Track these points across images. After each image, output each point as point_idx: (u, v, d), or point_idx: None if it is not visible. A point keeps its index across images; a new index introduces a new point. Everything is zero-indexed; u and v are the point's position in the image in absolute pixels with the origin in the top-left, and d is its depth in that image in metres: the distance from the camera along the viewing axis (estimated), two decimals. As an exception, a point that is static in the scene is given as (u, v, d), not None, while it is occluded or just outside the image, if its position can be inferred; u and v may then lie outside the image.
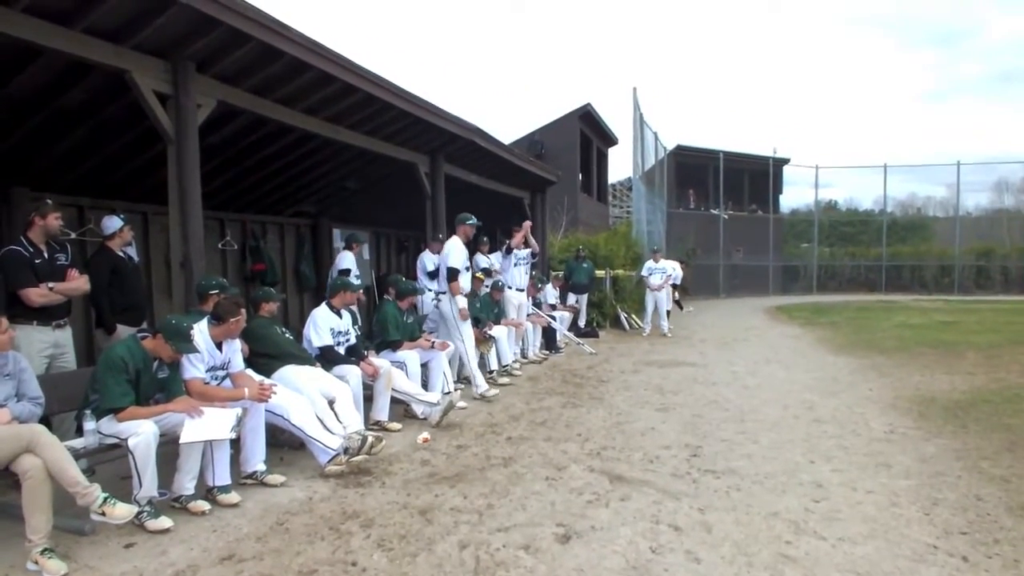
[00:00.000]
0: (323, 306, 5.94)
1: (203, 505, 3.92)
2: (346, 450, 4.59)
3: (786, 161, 31.11)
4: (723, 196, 28.36)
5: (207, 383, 4.30)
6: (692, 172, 28.81)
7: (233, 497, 4.07)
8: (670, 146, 26.00)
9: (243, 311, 4.39)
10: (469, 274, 7.56)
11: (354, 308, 6.57)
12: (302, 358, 5.39)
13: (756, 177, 30.17)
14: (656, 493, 4.32)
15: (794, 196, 50.16)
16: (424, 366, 6.72)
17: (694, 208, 29.28)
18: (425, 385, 6.60)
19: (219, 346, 4.38)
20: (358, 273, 8.77)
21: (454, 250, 7.32)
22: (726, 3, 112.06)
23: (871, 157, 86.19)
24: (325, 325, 5.73)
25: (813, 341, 12.77)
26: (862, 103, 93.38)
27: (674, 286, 15.23)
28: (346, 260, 8.83)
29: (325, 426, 4.77)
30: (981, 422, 6.17)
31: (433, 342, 6.95)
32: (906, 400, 7.17)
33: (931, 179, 51.31)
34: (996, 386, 7.92)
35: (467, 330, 7.39)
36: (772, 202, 30.70)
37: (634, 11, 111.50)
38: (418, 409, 6.10)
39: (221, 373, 4.44)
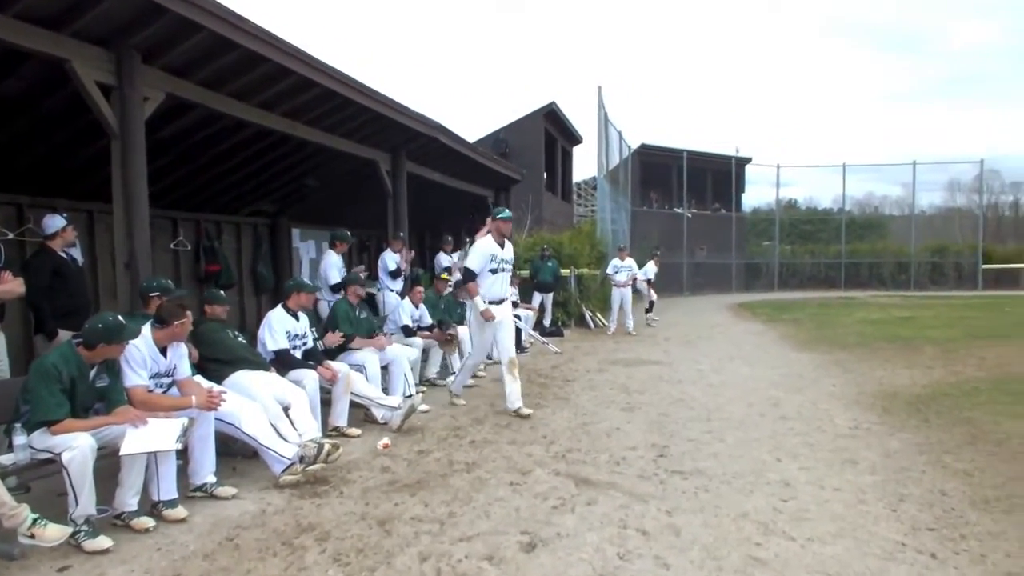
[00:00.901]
0: (278, 308, 5.72)
1: (147, 522, 3.69)
2: (302, 459, 4.39)
3: (748, 160, 31.53)
4: (687, 195, 28.60)
5: (151, 391, 4.05)
6: (656, 171, 28.98)
7: (180, 512, 3.84)
8: (634, 145, 26.09)
9: (188, 313, 4.15)
10: (502, 275, 6.55)
11: (352, 308, 6.39)
12: (255, 363, 5.16)
13: (719, 176, 30.50)
14: (623, 496, 4.21)
15: (756, 195, 50.80)
16: (385, 369, 6.52)
17: (657, 207, 29.45)
18: (386, 389, 6.41)
19: (164, 351, 4.13)
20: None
21: (474, 250, 6.63)
22: (689, 4, 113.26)
23: (831, 157, 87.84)
24: (280, 328, 5.51)
25: (776, 338, 12.86)
26: (822, 104, 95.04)
27: (649, 282, 15.30)
28: (330, 263, 8.17)
29: (279, 434, 4.56)
30: (942, 416, 6.22)
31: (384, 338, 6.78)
32: (869, 395, 7.21)
33: (888, 178, 52.56)
34: (954, 379, 8.02)
35: (480, 337, 6.73)
36: (734, 201, 31.07)
37: (599, 10, 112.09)
38: (378, 414, 5.91)
39: (166, 380, 4.19)
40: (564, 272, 13.76)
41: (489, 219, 6.78)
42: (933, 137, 76.93)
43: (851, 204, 35.60)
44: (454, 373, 7.93)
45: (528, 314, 11.58)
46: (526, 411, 6.38)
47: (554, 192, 22.85)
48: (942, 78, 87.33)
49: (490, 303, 6.41)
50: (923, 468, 4.73)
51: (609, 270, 13.83)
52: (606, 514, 3.92)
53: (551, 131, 21.98)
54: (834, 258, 31.28)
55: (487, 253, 6.43)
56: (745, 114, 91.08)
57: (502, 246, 6.54)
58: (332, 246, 8.43)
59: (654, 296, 15.55)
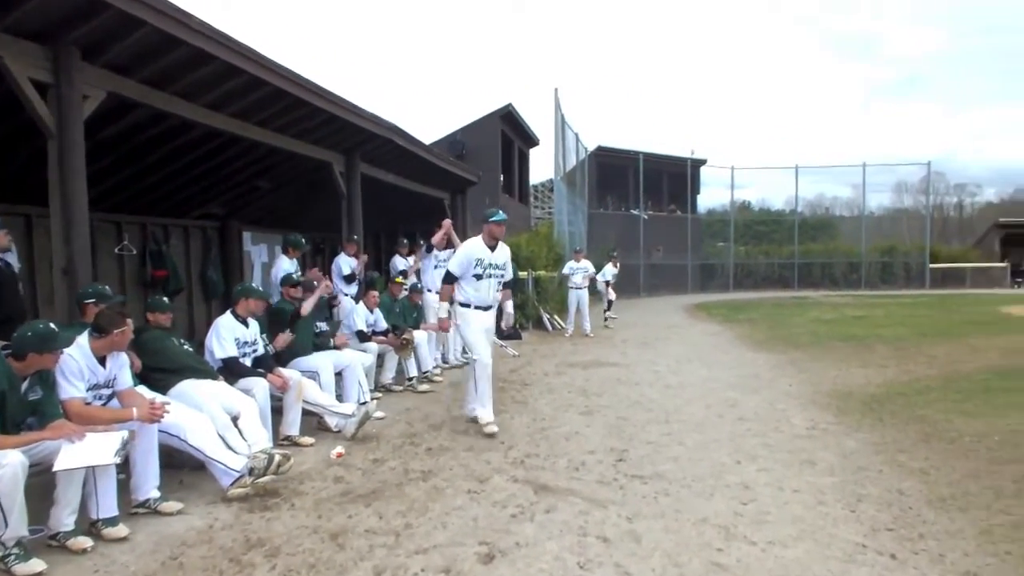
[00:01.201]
0: (227, 314, 5.53)
1: (85, 542, 3.50)
2: (251, 470, 4.23)
3: (703, 162, 32.00)
4: (643, 196, 28.85)
5: (88, 403, 3.85)
6: (613, 173, 29.21)
7: (121, 530, 3.66)
8: (591, 147, 26.24)
9: (129, 321, 3.97)
10: (490, 282, 6.06)
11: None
12: (202, 371, 4.98)
13: (674, 178, 30.91)
14: (583, 502, 4.16)
15: (711, 196, 51.73)
16: (338, 375, 6.37)
17: (613, 209, 29.67)
18: (340, 396, 6.26)
19: (102, 361, 3.94)
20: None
21: (459, 251, 6.24)
22: (644, 8, 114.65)
23: (783, 159, 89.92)
24: (229, 335, 5.33)
25: (732, 338, 13.02)
26: (774, 107, 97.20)
27: (607, 283, 15.34)
28: (280, 268, 7.91)
29: (228, 445, 4.40)
30: (896, 415, 6.33)
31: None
32: (824, 395, 7.31)
33: (838, 180, 53.83)
34: (907, 378, 8.19)
35: (469, 339, 6.15)
36: (690, 202, 31.50)
37: (556, 11, 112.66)
38: (332, 421, 5.76)
39: (106, 392, 4.00)
40: (522, 274, 13.72)
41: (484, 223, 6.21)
42: (881, 140, 79.31)
43: (803, 205, 36.58)
44: (411, 379, 7.83)
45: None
46: (492, 429, 5.82)
47: (511, 194, 22.83)
48: (889, 82, 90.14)
49: (476, 308, 6.05)
50: (880, 467, 4.79)
51: (565, 270, 13.85)
52: (566, 521, 3.86)
53: (508, 133, 21.96)
54: (787, 258, 31.96)
55: (471, 257, 6.00)
56: (700, 117, 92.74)
57: (492, 249, 6.05)
58: (285, 251, 8.23)
59: (612, 296, 15.61)
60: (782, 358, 10.06)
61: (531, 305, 14.21)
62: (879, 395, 7.22)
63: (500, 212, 6.19)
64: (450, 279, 6.08)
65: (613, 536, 3.65)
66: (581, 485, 4.50)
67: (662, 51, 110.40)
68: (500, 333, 11.98)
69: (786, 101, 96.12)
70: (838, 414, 6.43)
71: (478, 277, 6.00)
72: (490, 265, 6.03)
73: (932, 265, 30.78)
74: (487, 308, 6.15)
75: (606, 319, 15.06)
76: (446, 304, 6.16)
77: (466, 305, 6.05)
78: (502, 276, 6.21)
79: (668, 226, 30.19)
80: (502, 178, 21.69)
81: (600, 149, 28.15)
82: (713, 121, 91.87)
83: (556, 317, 14.52)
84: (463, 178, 13.47)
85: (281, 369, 5.61)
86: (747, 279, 31.68)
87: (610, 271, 15.55)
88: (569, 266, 13.72)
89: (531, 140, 24.76)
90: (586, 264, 13.84)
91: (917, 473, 4.64)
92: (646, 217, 28.70)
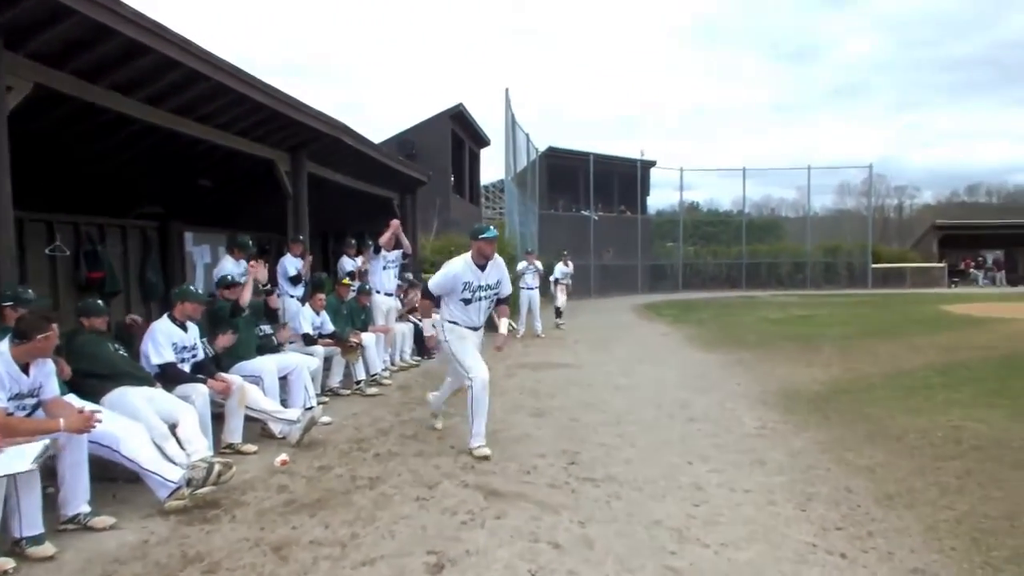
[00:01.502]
0: (164, 318, 5.29)
1: (6, 563, 3.27)
2: (189, 481, 4.05)
3: (653, 164, 32.39)
4: (593, 198, 29.04)
5: (10, 414, 3.60)
6: (563, 174, 29.34)
7: (47, 549, 3.44)
8: (542, 148, 26.28)
9: (54, 326, 3.73)
10: (480, 305, 5.45)
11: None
12: (138, 378, 4.76)
13: (624, 179, 31.20)
14: (534, 507, 4.10)
15: (660, 198, 52.36)
16: (284, 379, 6.18)
17: (564, 210, 29.79)
18: (285, 401, 6.07)
19: (25, 369, 3.69)
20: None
21: (444, 270, 5.46)
22: (594, 13, 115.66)
23: (731, 161, 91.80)
24: (166, 340, 5.10)
25: (682, 338, 13.15)
26: (723, 110, 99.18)
27: (556, 281, 15.32)
28: (224, 270, 7.50)
29: (165, 455, 4.21)
30: (842, 413, 6.44)
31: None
32: (773, 394, 7.40)
33: (784, 182, 55.15)
34: (851, 376, 8.37)
35: (460, 356, 5.48)
36: (640, 204, 31.84)
37: (507, 12, 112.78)
38: (276, 428, 5.58)
39: (30, 401, 3.75)
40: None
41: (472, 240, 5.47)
42: (824, 142, 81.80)
43: (750, 207, 37.36)
44: (359, 382, 7.66)
45: (436, 318, 11.35)
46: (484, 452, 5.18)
47: (462, 194, 22.75)
48: (829, 88, 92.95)
49: (465, 327, 5.45)
50: (828, 466, 4.85)
51: (518, 270, 13.81)
52: (517, 527, 3.79)
53: (458, 133, 21.87)
54: (735, 259, 32.62)
55: (458, 280, 5.30)
56: (650, 120, 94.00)
57: (483, 269, 5.35)
58: (230, 251, 7.94)
59: (562, 301, 15.49)
60: (731, 358, 10.18)
61: (482, 306, 14.09)
62: (825, 393, 7.35)
63: (491, 229, 5.53)
64: (427, 295, 5.58)
65: (565, 542, 3.60)
66: (532, 489, 4.44)
67: (611, 53, 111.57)
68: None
69: (735, 104, 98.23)
70: (786, 413, 6.51)
71: (466, 301, 5.37)
72: (480, 287, 5.37)
73: (874, 265, 31.80)
74: (476, 329, 5.55)
75: (557, 316, 15.05)
76: (429, 320, 5.69)
77: (454, 323, 5.47)
78: (496, 295, 5.57)
79: (618, 227, 30.46)
80: (453, 178, 21.58)
81: (551, 150, 28.23)
82: (663, 124, 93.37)
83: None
84: (412, 178, 13.31)
85: (223, 374, 5.40)
86: (696, 279, 32.18)
87: (560, 269, 15.52)
88: (521, 266, 13.68)
89: (482, 140, 24.72)
90: (538, 264, 13.84)
91: (864, 471, 4.71)
92: (596, 218, 28.89)
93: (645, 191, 32.51)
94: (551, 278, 15.14)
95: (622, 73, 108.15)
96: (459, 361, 5.43)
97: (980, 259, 35.92)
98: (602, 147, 36.42)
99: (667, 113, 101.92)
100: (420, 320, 5.86)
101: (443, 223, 17.36)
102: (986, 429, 5.69)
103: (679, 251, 32.58)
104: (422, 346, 10.31)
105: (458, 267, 5.34)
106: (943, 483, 4.43)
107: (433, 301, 5.56)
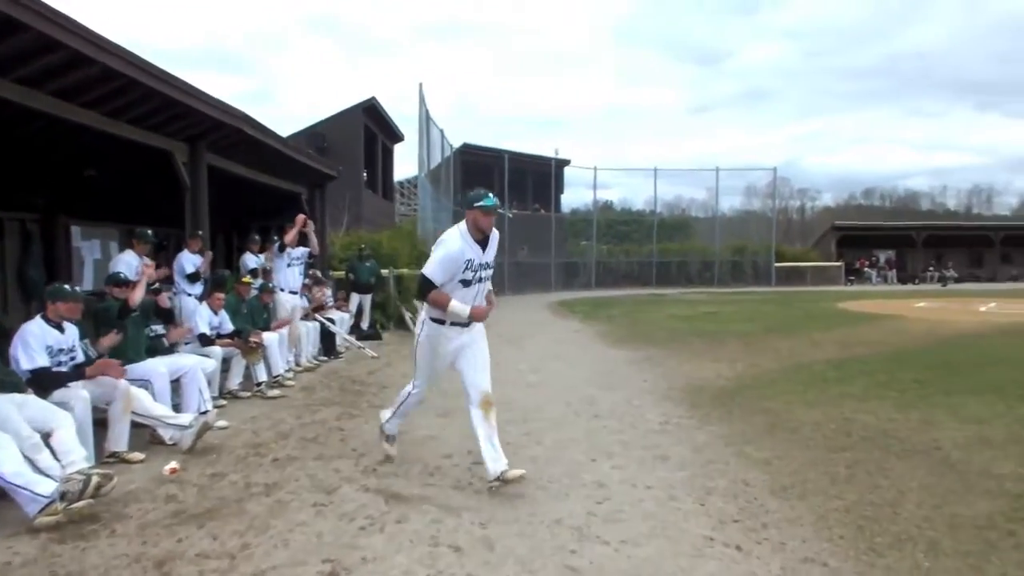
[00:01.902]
0: (37, 319, 4.85)
1: None
2: (63, 495, 3.75)
3: (567, 162, 32.85)
4: (508, 195, 29.14)
5: None
6: (478, 171, 29.30)
7: None
8: (456, 144, 26.15)
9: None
10: (479, 287, 4.47)
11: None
12: (8, 383, 4.38)
13: (539, 177, 31.51)
14: (436, 510, 4.02)
15: (574, 196, 53.29)
16: (177, 382, 5.85)
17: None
18: (178, 406, 5.75)
19: None
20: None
21: (440, 251, 4.42)
22: (508, 9, 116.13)
23: (643, 161, 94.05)
24: (39, 343, 4.69)
25: (593, 335, 13.32)
26: (635, 111, 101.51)
27: None
28: (123, 263, 7.16)
29: (36, 467, 3.88)
30: (744, 407, 6.62)
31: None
32: (678, 390, 7.55)
33: (694, 183, 57.02)
34: (755, 371, 8.64)
35: (420, 363, 4.75)
36: (554, 202, 32.20)
37: (424, 6, 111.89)
38: (166, 434, 5.27)
39: None
40: (383, 272, 13.40)
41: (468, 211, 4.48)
42: (731, 145, 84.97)
43: (662, 206, 38.31)
44: (260, 384, 7.37)
45: (343, 316, 11.11)
46: (515, 472, 4.31)
47: (374, 190, 22.36)
48: (735, 92, 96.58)
49: (451, 325, 4.49)
50: (728, 460, 4.96)
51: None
52: (417, 531, 3.70)
53: (371, 127, 21.48)
54: (646, 257, 33.47)
55: (460, 258, 4.34)
56: (565, 118, 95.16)
57: (482, 245, 4.45)
58: (130, 245, 7.48)
59: None
60: (639, 354, 10.36)
61: (392, 304, 13.90)
62: (729, 388, 7.56)
63: (490, 196, 4.43)
64: (428, 286, 4.38)
65: (466, 544, 3.54)
66: (435, 492, 4.36)
67: (529, 52, 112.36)
68: (360, 333, 11.69)
69: (647, 107, 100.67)
70: (691, 408, 6.65)
71: (466, 283, 4.40)
72: (481, 266, 4.46)
73: (777, 264, 33.28)
74: (465, 326, 4.52)
75: None
76: (455, 302, 4.35)
77: (439, 322, 4.51)
78: (490, 277, 4.65)
79: (533, 225, 30.72)
80: (365, 173, 21.17)
81: (466, 147, 28.16)
82: (577, 123, 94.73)
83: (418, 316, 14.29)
84: (321, 172, 12.97)
85: (104, 377, 5.00)
86: (608, 277, 32.83)
87: None
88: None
89: (396, 135, 24.37)
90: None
91: (761, 464, 4.85)
92: (511, 216, 28.97)
93: (559, 189, 32.98)
94: None
95: (539, 72, 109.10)
96: (417, 365, 4.79)
97: (874, 259, 38.35)
98: (517, 145, 36.61)
99: (582, 113, 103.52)
100: (418, 320, 4.83)
101: (353, 219, 16.99)
102: (874, 420, 5.96)
103: (592, 249, 33.12)
104: (328, 345, 10.07)
105: (456, 243, 4.38)
106: (834, 473, 4.60)
107: (441, 289, 4.39)
